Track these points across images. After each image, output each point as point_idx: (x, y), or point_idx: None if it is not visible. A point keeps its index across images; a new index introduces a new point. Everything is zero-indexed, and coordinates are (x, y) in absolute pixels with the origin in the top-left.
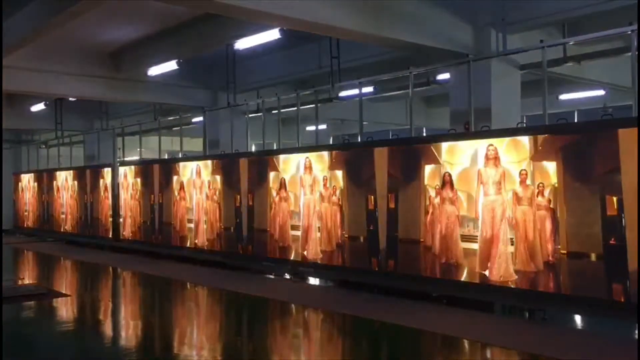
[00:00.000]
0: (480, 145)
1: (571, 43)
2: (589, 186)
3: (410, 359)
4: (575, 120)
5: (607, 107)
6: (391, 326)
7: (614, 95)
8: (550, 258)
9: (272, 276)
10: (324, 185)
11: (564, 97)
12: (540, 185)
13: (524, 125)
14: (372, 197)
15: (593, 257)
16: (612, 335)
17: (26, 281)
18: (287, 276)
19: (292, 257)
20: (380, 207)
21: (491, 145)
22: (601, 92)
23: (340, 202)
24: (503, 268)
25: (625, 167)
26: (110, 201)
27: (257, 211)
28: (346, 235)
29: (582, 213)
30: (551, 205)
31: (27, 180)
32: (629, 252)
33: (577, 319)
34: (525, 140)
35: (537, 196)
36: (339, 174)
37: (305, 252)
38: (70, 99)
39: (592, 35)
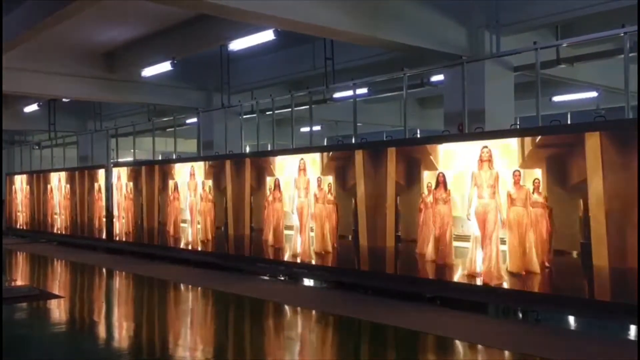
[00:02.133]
0: (474, 148)
1: (564, 45)
2: (570, 188)
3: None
4: (569, 122)
5: (600, 108)
6: (384, 327)
7: (607, 97)
8: (545, 259)
9: (266, 277)
10: (318, 185)
11: (557, 98)
12: (536, 181)
13: (518, 126)
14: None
15: (585, 258)
16: (606, 335)
17: (19, 282)
18: (281, 277)
19: (285, 258)
20: (360, 209)
21: (485, 147)
22: (594, 94)
23: (335, 202)
24: (495, 269)
25: (590, 170)
26: (103, 202)
27: (251, 212)
28: (339, 237)
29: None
30: (547, 203)
31: (20, 181)
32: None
33: (571, 319)
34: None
35: (533, 193)
36: (332, 175)
37: (299, 253)
38: (64, 99)
39: (584, 37)
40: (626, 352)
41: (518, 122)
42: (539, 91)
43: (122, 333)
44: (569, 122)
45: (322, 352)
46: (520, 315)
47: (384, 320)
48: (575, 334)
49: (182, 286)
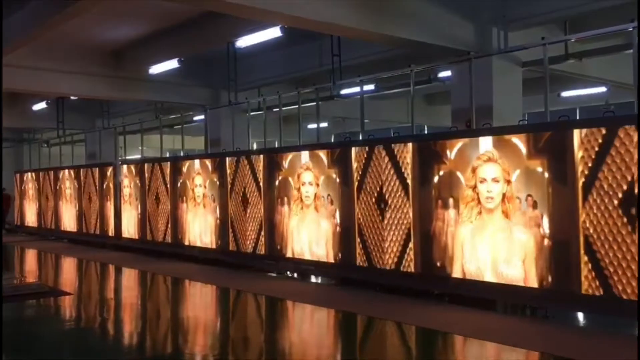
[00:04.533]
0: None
1: (572, 40)
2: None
3: (412, 356)
4: (577, 117)
5: (609, 104)
6: (393, 324)
7: (616, 93)
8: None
9: (273, 274)
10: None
11: (565, 94)
12: (529, 198)
13: (526, 122)
14: (369, 195)
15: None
16: (616, 331)
17: (28, 279)
18: (289, 274)
19: (293, 256)
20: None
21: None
22: (603, 89)
23: (333, 204)
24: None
25: None
26: (111, 200)
27: (257, 208)
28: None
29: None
30: (541, 222)
31: (29, 179)
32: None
33: (580, 316)
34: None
35: (529, 208)
36: (337, 172)
37: (306, 251)
38: (72, 97)
39: (593, 32)
40: (634, 348)
41: (526, 118)
42: (547, 87)
43: (131, 330)
44: (577, 117)
45: (332, 348)
46: (529, 312)
47: (392, 316)
48: (584, 331)
49: (190, 283)
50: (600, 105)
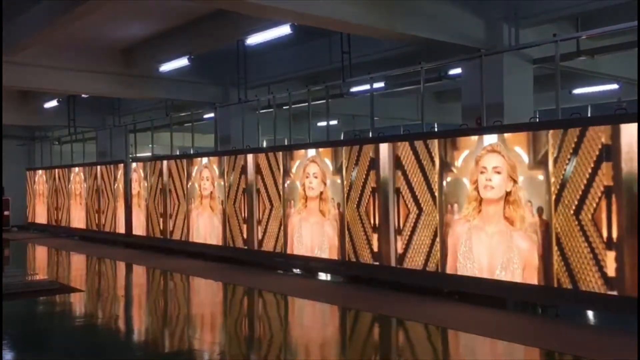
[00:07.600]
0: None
1: (584, 37)
2: None
3: (422, 354)
4: (589, 115)
5: (621, 101)
6: (402, 322)
7: (628, 90)
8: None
9: (282, 272)
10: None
11: (577, 91)
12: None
13: (537, 120)
14: (380, 192)
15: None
16: (627, 329)
17: (40, 276)
18: (298, 271)
19: (302, 253)
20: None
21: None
22: (615, 86)
23: (337, 202)
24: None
25: None
26: (122, 197)
27: (266, 206)
28: (355, 231)
29: None
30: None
31: (41, 176)
32: None
33: (590, 315)
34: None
35: (532, 216)
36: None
37: (315, 248)
38: (83, 95)
39: (605, 29)
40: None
41: (537, 116)
42: (558, 84)
43: (140, 327)
44: (589, 115)
45: (343, 347)
46: (540, 310)
47: (401, 314)
48: (594, 329)
49: (200, 280)
50: (612, 103)
